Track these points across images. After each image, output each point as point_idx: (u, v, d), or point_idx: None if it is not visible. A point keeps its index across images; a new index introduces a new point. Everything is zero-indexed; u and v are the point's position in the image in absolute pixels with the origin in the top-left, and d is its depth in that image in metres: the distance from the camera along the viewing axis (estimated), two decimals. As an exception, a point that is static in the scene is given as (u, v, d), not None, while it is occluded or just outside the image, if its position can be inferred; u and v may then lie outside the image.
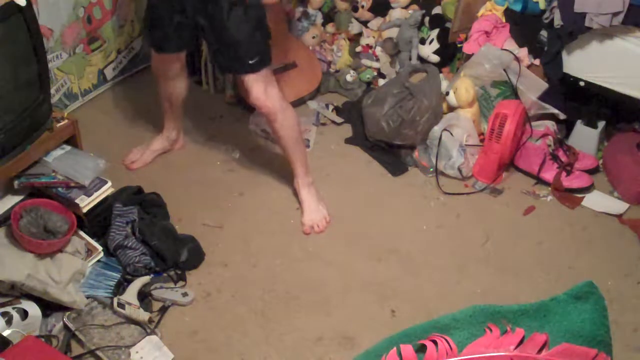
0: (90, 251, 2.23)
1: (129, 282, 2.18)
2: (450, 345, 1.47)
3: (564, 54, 2.71)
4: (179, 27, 2.30)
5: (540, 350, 1.46)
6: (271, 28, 3.04)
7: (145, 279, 2.19)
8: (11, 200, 2.21)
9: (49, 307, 2.05)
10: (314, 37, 3.22)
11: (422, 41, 3.03)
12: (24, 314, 1.97)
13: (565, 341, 1.48)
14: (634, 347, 2.11)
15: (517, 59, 2.77)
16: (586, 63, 2.68)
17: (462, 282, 2.32)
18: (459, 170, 2.71)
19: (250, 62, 2.27)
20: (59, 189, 2.21)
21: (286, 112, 2.38)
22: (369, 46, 3.18)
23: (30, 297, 2.03)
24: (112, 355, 1.98)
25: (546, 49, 2.75)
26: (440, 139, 2.70)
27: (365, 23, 3.20)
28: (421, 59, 3.06)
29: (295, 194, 2.59)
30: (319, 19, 3.26)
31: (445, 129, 2.72)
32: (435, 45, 2.99)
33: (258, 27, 2.27)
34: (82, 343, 2.00)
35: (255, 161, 2.81)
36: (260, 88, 2.29)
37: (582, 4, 2.53)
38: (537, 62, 2.78)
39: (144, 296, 2.16)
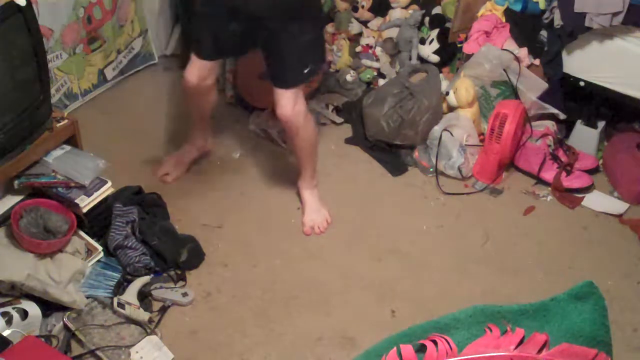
0: (90, 251, 2.23)
1: (129, 282, 2.18)
2: (450, 345, 1.47)
3: (564, 54, 2.71)
4: (232, 35, 2.26)
5: (540, 350, 1.47)
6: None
7: (145, 279, 2.19)
8: (11, 200, 2.21)
9: (49, 307, 2.05)
10: (314, 37, 3.22)
11: (422, 41, 3.03)
12: (24, 314, 1.97)
13: (565, 341, 1.48)
14: (634, 347, 2.11)
15: (517, 59, 2.77)
16: (586, 63, 2.68)
17: (462, 282, 2.32)
18: (459, 170, 2.71)
19: (304, 71, 2.26)
20: (59, 189, 2.21)
21: (307, 126, 2.38)
22: (369, 46, 3.18)
23: (30, 297, 2.03)
24: (112, 355, 1.98)
25: (546, 49, 2.75)
26: (440, 139, 2.70)
27: (365, 23, 3.20)
28: (421, 59, 3.06)
29: (297, 194, 2.59)
30: (319, 19, 3.26)
31: (445, 129, 2.72)
32: (435, 45, 2.99)
33: (318, 37, 2.30)
34: (82, 343, 2.00)
35: (255, 161, 2.81)
36: (290, 103, 2.28)
37: (582, 4, 2.53)
38: (537, 62, 2.78)
39: (144, 296, 2.16)
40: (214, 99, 2.55)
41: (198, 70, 2.36)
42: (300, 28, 2.17)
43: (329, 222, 2.51)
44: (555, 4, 2.67)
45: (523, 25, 2.80)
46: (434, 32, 3.01)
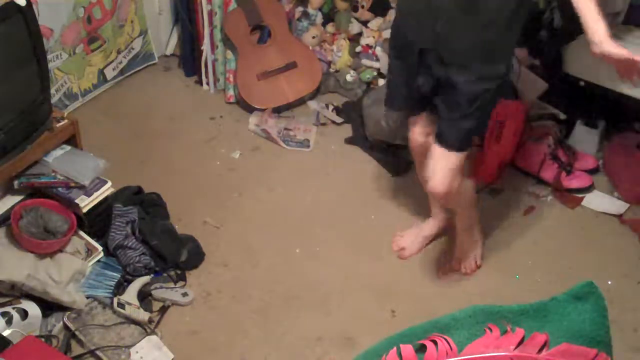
0: (90, 251, 2.23)
1: (129, 282, 2.18)
2: (450, 345, 1.47)
3: (564, 54, 2.70)
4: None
5: (540, 350, 1.46)
6: (271, 28, 3.06)
7: (145, 279, 2.20)
8: (11, 200, 2.21)
9: (49, 307, 2.06)
10: (314, 37, 3.22)
11: (422, 41, 3.03)
12: (24, 314, 1.97)
13: (565, 341, 1.48)
14: (634, 347, 2.11)
15: (517, 59, 2.76)
16: (586, 63, 2.68)
17: (462, 282, 2.32)
18: (459, 170, 2.71)
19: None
20: (59, 189, 2.21)
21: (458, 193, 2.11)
22: (369, 46, 3.18)
23: (30, 297, 2.03)
24: (112, 355, 1.98)
25: (546, 49, 2.74)
26: (440, 139, 2.70)
27: (365, 23, 3.20)
28: (421, 59, 3.06)
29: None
30: (319, 19, 3.26)
31: (445, 129, 2.72)
32: (435, 45, 2.99)
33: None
34: (82, 343, 2.00)
35: (255, 161, 2.81)
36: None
37: (582, 4, 2.53)
38: (537, 62, 2.78)
39: (144, 296, 2.16)
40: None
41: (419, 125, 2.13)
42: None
43: (478, 265, 2.35)
44: (555, 4, 2.66)
45: (523, 26, 2.80)
46: (434, 32, 3.00)
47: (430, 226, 2.43)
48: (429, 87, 1.99)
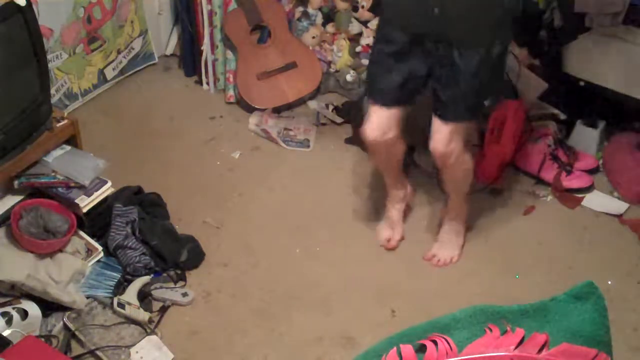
0: (90, 251, 2.23)
1: (129, 282, 2.18)
2: (450, 345, 1.47)
3: (564, 54, 2.71)
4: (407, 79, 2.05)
5: (540, 350, 1.46)
6: (271, 28, 3.06)
7: (145, 279, 2.20)
8: (11, 200, 2.21)
9: (49, 307, 2.06)
10: (314, 37, 3.22)
11: (422, 41, 3.03)
12: (24, 314, 1.97)
13: (565, 341, 1.48)
14: (634, 347, 2.11)
15: (517, 59, 2.76)
16: (586, 63, 2.68)
17: (462, 282, 2.32)
18: (459, 170, 2.71)
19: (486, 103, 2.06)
20: (59, 189, 2.21)
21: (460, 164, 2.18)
22: (369, 46, 3.17)
23: (30, 297, 2.03)
24: (112, 355, 1.98)
25: (546, 49, 2.74)
26: (440, 139, 2.69)
27: (365, 23, 3.20)
28: (421, 59, 3.05)
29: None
30: (319, 19, 3.26)
31: (445, 129, 2.72)
32: (435, 45, 2.99)
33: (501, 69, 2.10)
34: (82, 343, 2.00)
35: (255, 161, 2.81)
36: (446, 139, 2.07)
37: (582, 4, 2.53)
38: (537, 62, 2.78)
39: (144, 296, 2.16)
40: (401, 149, 2.25)
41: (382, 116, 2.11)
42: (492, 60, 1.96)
43: (452, 262, 2.39)
44: (555, 4, 2.67)
45: (523, 25, 2.80)
46: (434, 32, 3.00)
47: (395, 208, 2.43)
48: (425, 71, 2.02)
